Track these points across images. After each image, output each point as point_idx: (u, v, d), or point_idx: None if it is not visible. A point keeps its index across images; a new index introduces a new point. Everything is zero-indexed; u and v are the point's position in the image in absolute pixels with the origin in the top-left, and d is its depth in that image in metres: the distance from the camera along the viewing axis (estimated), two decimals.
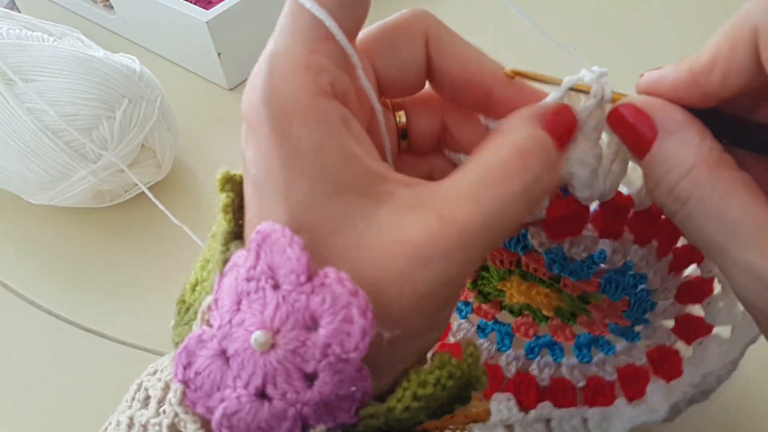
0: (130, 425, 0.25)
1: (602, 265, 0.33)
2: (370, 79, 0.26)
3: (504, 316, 0.42)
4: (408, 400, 0.23)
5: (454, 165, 0.30)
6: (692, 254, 0.34)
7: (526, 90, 0.28)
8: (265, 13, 0.71)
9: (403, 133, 0.30)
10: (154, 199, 0.54)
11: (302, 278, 0.21)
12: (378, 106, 0.26)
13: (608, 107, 0.27)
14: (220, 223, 0.26)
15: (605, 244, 0.32)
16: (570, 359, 0.41)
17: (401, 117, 0.29)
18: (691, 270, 0.35)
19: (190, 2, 0.70)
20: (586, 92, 0.27)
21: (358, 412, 0.23)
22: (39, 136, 0.52)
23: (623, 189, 0.30)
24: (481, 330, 0.43)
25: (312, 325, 0.22)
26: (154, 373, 0.26)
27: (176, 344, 0.26)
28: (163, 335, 0.50)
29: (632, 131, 0.26)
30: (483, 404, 0.27)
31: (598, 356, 0.40)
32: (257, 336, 0.21)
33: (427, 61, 0.27)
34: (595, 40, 0.73)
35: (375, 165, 0.23)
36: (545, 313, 0.38)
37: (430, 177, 0.30)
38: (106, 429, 0.26)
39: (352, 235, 0.22)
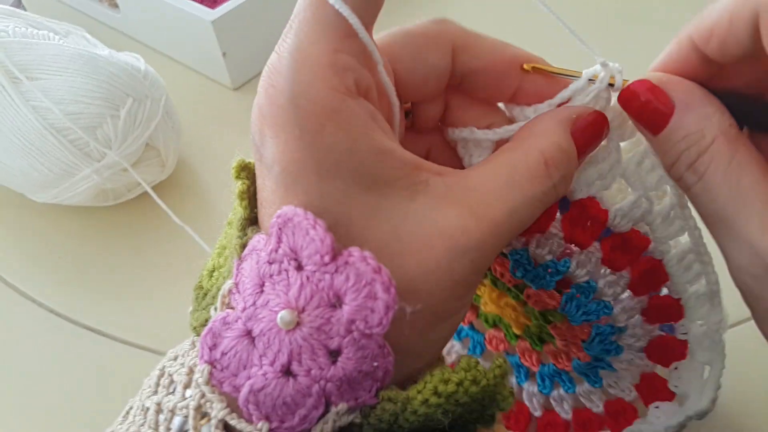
0: (158, 411, 0.25)
1: (565, 277, 0.31)
2: (388, 74, 0.26)
3: (480, 325, 0.41)
4: (428, 393, 0.23)
5: (452, 143, 0.31)
6: (671, 309, 0.32)
7: (557, 82, 0.28)
8: (269, 13, 0.71)
9: (406, 113, 0.30)
10: (157, 199, 0.54)
11: (326, 258, 0.22)
12: (396, 101, 0.27)
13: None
14: (236, 210, 0.27)
15: (571, 254, 0.31)
16: (531, 386, 0.40)
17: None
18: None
19: (196, 2, 0.70)
20: (610, 84, 0.28)
21: (378, 393, 0.23)
22: (43, 134, 0.52)
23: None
24: (457, 333, 0.42)
25: (336, 302, 0.23)
26: (176, 358, 0.26)
27: (194, 329, 0.27)
28: (165, 334, 0.50)
29: (647, 107, 0.26)
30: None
31: (558, 391, 0.38)
32: (283, 315, 0.22)
33: (451, 68, 0.28)
34: (609, 32, 0.73)
35: (408, 156, 0.24)
36: (515, 330, 0.37)
37: (428, 153, 0.31)
38: (127, 413, 0.27)
39: (389, 229, 0.23)
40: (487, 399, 0.25)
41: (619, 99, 0.27)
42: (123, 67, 0.55)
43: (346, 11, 0.23)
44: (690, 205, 0.28)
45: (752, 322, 0.27)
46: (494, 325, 0.40)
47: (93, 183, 0.55)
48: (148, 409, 0.26)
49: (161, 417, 0.25)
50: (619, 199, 0.30)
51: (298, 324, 0.22)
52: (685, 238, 0.30)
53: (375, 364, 0.23)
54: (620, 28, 0.75)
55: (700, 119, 0.25)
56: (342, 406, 0.23)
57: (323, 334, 0.22)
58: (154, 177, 0.59)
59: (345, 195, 0.23)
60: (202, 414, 0.24)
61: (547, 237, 0.30)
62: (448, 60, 0.27)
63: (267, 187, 0.24)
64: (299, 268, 0.23)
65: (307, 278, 0.23)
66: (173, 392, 0.25)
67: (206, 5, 0.68)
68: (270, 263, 0.23)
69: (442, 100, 0.30)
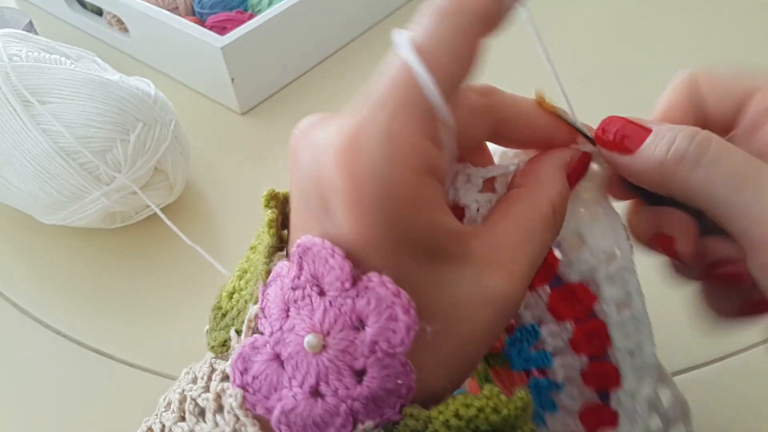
0: None
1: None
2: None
3: None
4: (449, 415, 0.24)
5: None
6: (609, 376, 0.31)
7: (559, 127, 0.30)
8: (278, 40, 0.72)
9: None
10: (167, 221, 0.54)
11: (347, 285, 0.23)
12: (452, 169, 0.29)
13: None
14: (262, 237, 0.28)
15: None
16: None
17: None
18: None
19: (205, 28, 0.71)
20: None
21: (401, 409, 0.24)
22: (53, 157, 0.52)
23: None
24: None
25: (359, 325, 0.24)
26: (194, 380, 0.27)
27: (212, 348, 0.28)
28: (173, 356, 0.50)
29: (625, 129, 0.28)
30: None
31: None
32: (309, 339, 0.23)
33: (491, 133, 0.29)
34: (603, 73, 0.74)
35: (456, 226, 0.25)
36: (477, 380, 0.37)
37: None
38: None
39: (447, 296, 0.25)
40: (507, 430, 0.25)
41: (598, 130, 0.29)
42: (133, 92, 0.56)
43: (439, 105, 0.23)
44: (636, 270, 0.29)
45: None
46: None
47: (102, 206, 0.55)
48: None
49: None
50: (572, 245, 0.30)
51: (323, 347, 0.23)
52: (629, 305, 0.30)
53: (399, 381, 0.24)
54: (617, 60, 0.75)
55: (677, 121, 0.28)
56: (368, 424, 0.24)
57: (348, 355, 0.23)
58: (161, 200, 0.59)
59: (406, 267, 0.24)
60: None
61: None
62: (489, 131, 0.29)
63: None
64: (321, 293, 0.24)
65: (330, 303, 0.24)
66: (203, 420, 0.26)
67: (215, 31, 0.69)
68: (294, 289, 0.24)
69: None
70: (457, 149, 0.27)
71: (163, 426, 0.27)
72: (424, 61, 0.23)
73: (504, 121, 0.29)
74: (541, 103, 0.29)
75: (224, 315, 0.29)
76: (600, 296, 0.30)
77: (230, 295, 0.29)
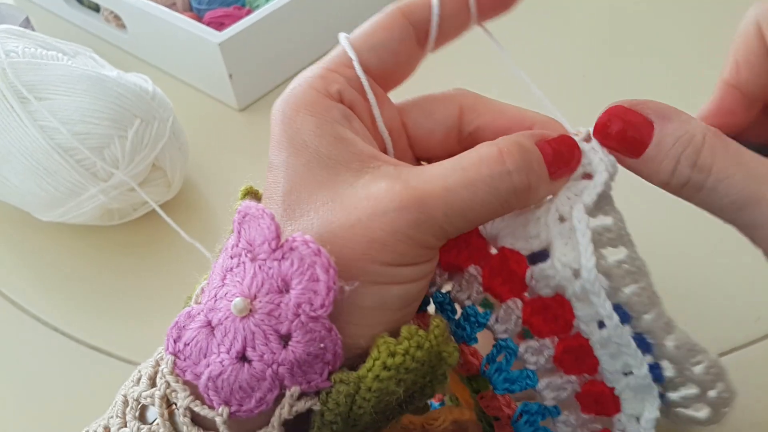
0: (125, 402, 0.27)
1: (485, 331, 0.29)
2: (389, 112, 0.30)
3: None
4: (378, 369, 0.24)
5: None
6: (606, 398, 0.29)
7: (565, 131, 0.29)
8: (275, 36, 0.71)
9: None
10: (165, 217, 0.54)
11: (273, 245, 0.24)
12: (383, 129, 0.30)
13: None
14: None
15: (491, 305, 0.29)
16: None
17: None
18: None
19: (203, 24, 0.70)
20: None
21: (330, 376, 0.25)
22: (51, 153, 0.52)
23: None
24: None
25: (284, 288, 0.24)
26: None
27: None
28: None
29: (628, 126, 0.26)
30: (468, 411, 0.27)
31: None
32: (236, 302, 0.24)
33: (459, 127, 0.30)
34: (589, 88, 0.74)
35: (366, 148, 0.27)
36: (468, 415, 0.34)
37: None
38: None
39: (330, 194, 0.26)
40: (434, 359, 0.26)
41: (597, 128, 0.27)
42: (131, 88, 0.56)
43: (345, 44, 0.29)
44: (603, 294, 0.26)
45: None
46: (458, 406, 0.36)
47: (99, 202, 0.55)
48: (115, 403, 0.28)
49: (128, 408, 0.27)
50: (558, 269, 0.27)
51: (251, 311, 0.24)
52: (603, 329, 0.27)
53: (322, 345, 0.24)
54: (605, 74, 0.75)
55: (683, 124, 0.26)
56: (295, 389, 0.24)
57: (273, 319, 0.24)
58: (160, 197, 0.59)
59: (305, 168, 0.26)
60: (168, 402, 0.26)
61: (468, 280, 0.29)
62: (453, 117, 0.30)
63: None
64: (254, 259, 0.25)
65: (259, 267, 0.24)
66: (138, 384, 0.27)
67: (213, 27, 0.69)
68: (231, 257, 0.26)
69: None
70: (428, 133, 0.31)
71: (114, 401, 0.28)
72: (351, 39, 0.29)
73: (470, 108, 0.30)
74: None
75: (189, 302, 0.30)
76: (575, 314, 0.27)
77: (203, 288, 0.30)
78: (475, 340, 0.29)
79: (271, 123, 0.28)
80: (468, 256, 0.28)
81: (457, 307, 0.30)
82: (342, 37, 0.29)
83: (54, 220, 0.58)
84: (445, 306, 0.29)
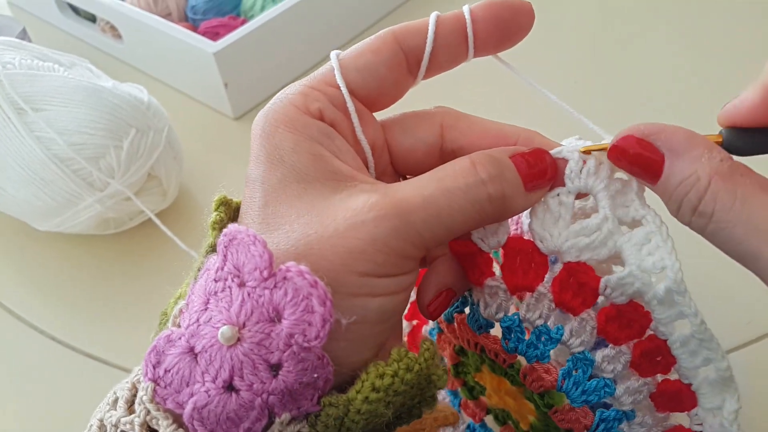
0: (101, 427, 0.26)
1: (560, 347, 0.29)
2: (372, 130, 0.30)
3: (491, 421, 0.38)
4: (367, 391, 0.24)
5: None
6: (682, 395, 0.29)
7: (549, 146, 0.29)
8: (270, 45, 0.72)
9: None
10: (161, 226, 0.55)
11: (265, 273, 0.23)
12: (366, 145, 0.29)
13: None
14: (207, 239, 0.28)
15: (564, 320, 0.29)
16: None
17: None
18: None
19: (198, 34, 0.71)
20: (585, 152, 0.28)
21: (320, 400, 0.24)
22: (47, 164, 0.53)
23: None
24: (469, 428, 0.40)
25: (276, 317, 0.23)
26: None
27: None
28: None
29: (638, 159, 0.26)
30: (450, 409, 0.27)
31: None
32: (224, 331, 0.23)
33: (440, 144, 0.30)
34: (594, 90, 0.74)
35: (343, 167, 0.27)
36: (523, 427, 0.35)
37: None
38: None
39: (306, 207, 0.25)
40: (423, 381, 0.26)
41: (609, 156, 0.27)
42: (126, 99, 0.56)
43: (334, 62, 0.29)
44: (688, 289, 0.27)
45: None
46: (504, 422, 0.37)
47: (95, 212, 0.55)
48: (91, 426, 0.27)
49: None
50: (613, 268, 0.28)
51: (239, 340, 0.23)
52: (685, 323, 0.28)
53: (315, 375, 0.24)
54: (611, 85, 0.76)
55: (691, 162, 0.25)
56: (285, 417, 0.24)
57: (263, 348, 0.23)
58: (155, 206, 0.59)
59: (281, 183, 0.26)
60: (148, 430, 0.25)
61: (537, 299, 0.29)
62: (435, 135, 0.30)
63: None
64: (241, 284, 0.24)
65: (248, 294, 0.24)
66: (115, 408, 0.26)
67: (208, 37, 0.70)
68: (216, 281, 0.24)
69: None
70: (410, 150, 0.31)
71: (90, 424, 0.27)
72: (340, 58, 0.29)
73: (452, 127, 0.30)
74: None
75: (168, 321, 0.28)
76: (653, 317, 0.28)
77: (176, 300, 0.29)
78: (549, 357, 0.29)
79: (251, 137, 0.28)
80: (535, 275, 0.29)
81: (527, 328, 0.30)
82: (333, 54, 0.29)
83: (51, 229, 0.58)
84: (513, 329, 0.30)
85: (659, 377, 0.30)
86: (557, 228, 0.28)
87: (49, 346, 0.54)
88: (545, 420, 0.33)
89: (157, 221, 0.56)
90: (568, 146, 0.28)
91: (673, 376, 0.30)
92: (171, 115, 0.61)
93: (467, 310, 0.32)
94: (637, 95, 0.70)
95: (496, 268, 0.30)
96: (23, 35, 0.73)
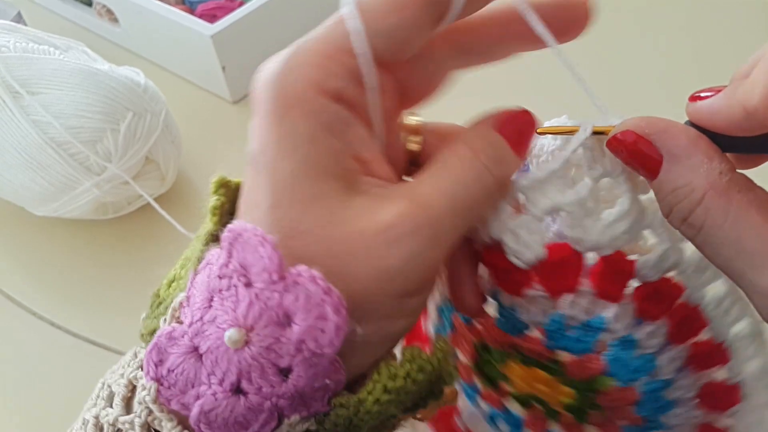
0: (97, 425, 0.25)
1: (603, 335, 0.30)
2: (390, 100, 0.26)
3: (515, 406, 0.38)
4: (378, 392, 0.23)
5: None
6: (714, 354, 0.30)
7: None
8: (268, 27, 0.71)
9: (416, 160, 0.30)
10: (160, 210, 0.54)
11: (275, 276, 0.22)
12: (380, 127, 0.26)
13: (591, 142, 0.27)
14: (206, 224, 0.27)
15: (604, 309, 0.30)
16: None
17: (417, 143, 0.30)
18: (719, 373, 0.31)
19: (195, 16, 0.70)
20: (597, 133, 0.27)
21: (330, 401, 0.23)
22: (44, 148, 0.52)
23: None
24: (492, 420, 0.39)
25: (286, 321, 0.22)
26: (113, 372, 0.27)
27: (142, 336, 0.27)
28: None
29: (636, 156, 0.25)
30: (448, 388, 0.27)
31: None
32: (231, 334, 0.22)
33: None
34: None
35: (358, 163, 0.25)
36: (554, 407, 0.35)
37: None
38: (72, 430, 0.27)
39: (325, 214, 0.23)
40: (434, 380, 0.25)
41: (608, 146, 0.26)
42: (123, 82, 0.56)
43: (355, 28, 0.24)
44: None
45: None
46: (530, 405, 0.37)
47: (93, 196, 0.55)
48: (87, 422, 0.25)
49: None
50: (639, 247, 0.29)
51: (246, 342, 0.22)
52: (719, 284, 0.29)
53: (327, 381, 0.23)
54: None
55: (688, 171, 0.24)
56: (295, 418, 0.23)
57: (273, 353, 0.22)
58: (153, 190, 0.59)
59: (293, 177, 0.23)
60: (149, 430, 0.24)
61: (578, 295, 0.29)
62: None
63: (247, 169, 0.25)
64: (248, 284, 0.22)
65: (256, 296, 0.22)
66: (111, 405, 0.25)
67: (205, 20, 0.69)
68: (220, 278, 0.23)
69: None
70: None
71: (83, 417, 0.26)
72: (359, 10, 0.24)
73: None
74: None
75: (160, 303, 0.27)
76: (687, 284, 0.29)
77: (170, 284, 0.28)
78: (592, 346, 0.30)
79: (257, 105, 0.24)
80: (574, 276, 0.29)
81: (568, 323, 0.30)
82: (350, 15, 0.24)
83: (48, 214, 0.58)
84: (559, 329, 0.30)
85: (691, 340, 0.31)
86: (590, 224, 0.28)
87: (47, 331, 0.54)
88: (584, 400, 0.33)
89: (156, 205, 0.55)
90: (583, 130, 0.27)
91: (702, 337, 0.30)
92: (168, 99, 0.61)
93: (492, 311, 0.32)
94: (635, 91, 0.70)
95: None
96: (18, 19, 0.72)
